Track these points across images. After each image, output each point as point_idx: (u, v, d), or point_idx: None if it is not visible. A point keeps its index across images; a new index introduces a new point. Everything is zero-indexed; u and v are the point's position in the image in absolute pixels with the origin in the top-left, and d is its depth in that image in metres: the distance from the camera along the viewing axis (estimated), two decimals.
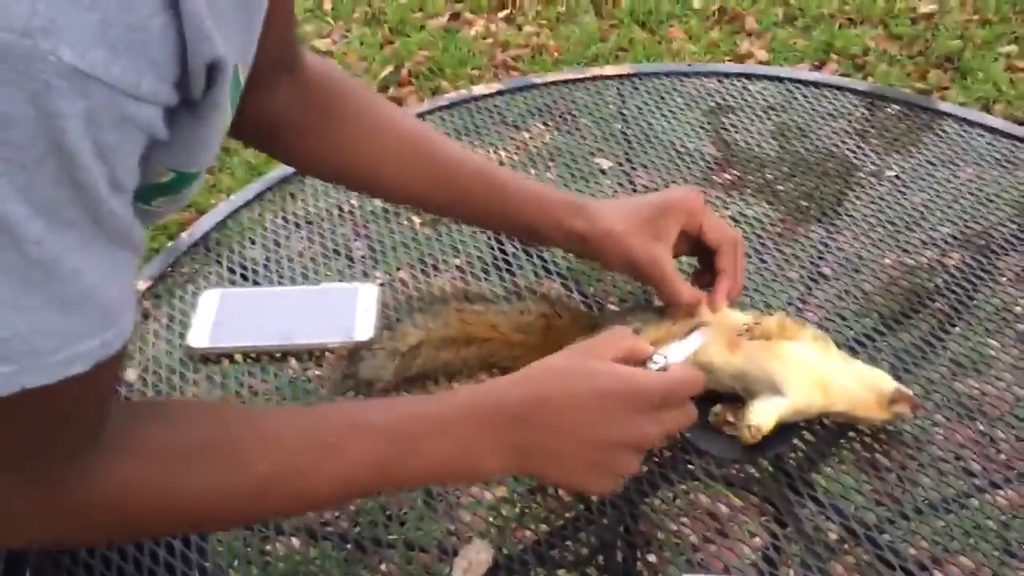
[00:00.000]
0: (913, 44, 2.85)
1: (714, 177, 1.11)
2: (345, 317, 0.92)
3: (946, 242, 1.00)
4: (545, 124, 1.22)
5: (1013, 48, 2.78)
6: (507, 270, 0.99)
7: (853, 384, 0.77)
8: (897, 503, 0.76)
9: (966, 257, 0.98)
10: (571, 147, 1.18)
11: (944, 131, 1.16)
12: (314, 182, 1.14)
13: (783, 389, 0.76)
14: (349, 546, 0.76)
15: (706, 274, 0.82)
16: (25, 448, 0.49)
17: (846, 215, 1.05)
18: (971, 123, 1.17)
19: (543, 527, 0.76)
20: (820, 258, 1.00)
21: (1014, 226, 1.02)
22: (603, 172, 1.14)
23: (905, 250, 0.99)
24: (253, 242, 1.06)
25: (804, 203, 1.07)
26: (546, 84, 1.29)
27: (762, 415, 0.76)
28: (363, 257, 1.03)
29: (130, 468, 0.54)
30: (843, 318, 0.92)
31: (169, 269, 1.02)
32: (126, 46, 0.41)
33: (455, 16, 3.16)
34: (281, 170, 1.16)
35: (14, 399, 0.44)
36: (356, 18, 3.16)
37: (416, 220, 1.08)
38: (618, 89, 1.28)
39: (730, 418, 0.78)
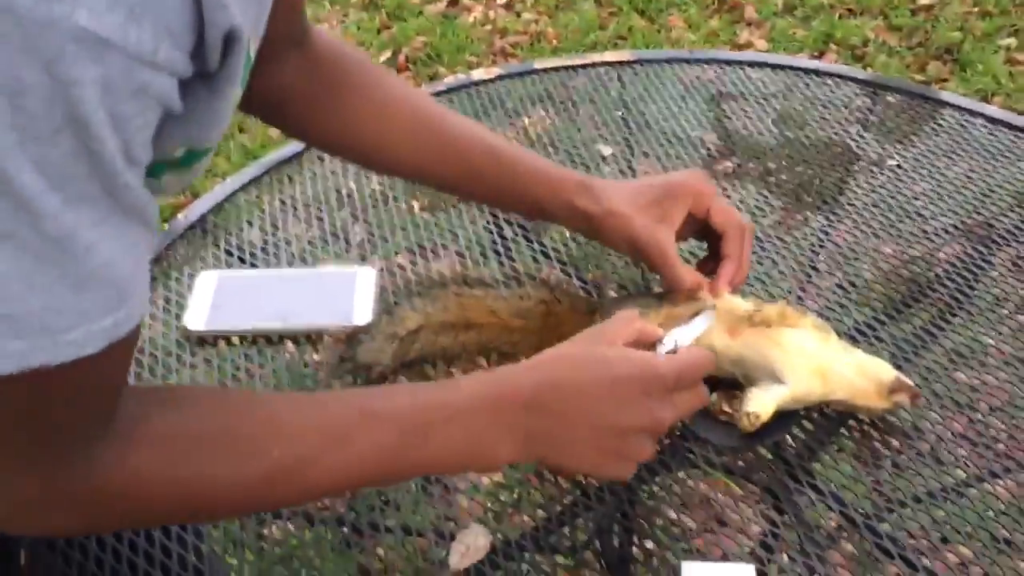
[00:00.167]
0: (913, 35, 2.85)
1: (714, 166, 1.11)
2: (343, 301, 0.92)
3: (947, 232, 1.00)
4: (545, 110, 1.22)
5: (1012, 41, 2.78)
6: (506, 255, 0.99)
7: (853, 373, 0.77)
8: (896, 491, 0.75)
9: (966, 248, 0.98)
10: (571, 134, 1.17)
11: (945, 121, 1.16)
12: (312, 166, 1.13)
13: (782, 377, 0.76)
14: (345, 530, 0.76)
15: (712, 259, 0.82)
16: (38, 435, 0.49)
17: (847, 204, 1.05)
18: (972, 113, 1.16)
19: (540, 513, 0.76)
20: (820, 247, 1.00)
21: (1014, 217, 1.02)
22: (603, 159, 1.13)
23: (905, 240, 0.99)
24: (251, 224, 1.05)
25: (804, 192, 1.06)
26: (546, 70, 1.28)
27: (760, 403, 0.75)
28: (361, 241, 1.02)
29: (141, 456, 0.53)
30: (842, 307, 0.91)
31: (165, 251, 1.01)
32: (143, 10, 0.40)
33: (453, 2, 3.14)
34: (278, 153, 1.15)
35: (26, 380, 0.43)
36: (353, 3, 3.15)
37: (415, 204, 1.07)
38: (618, 75, 1.27)
39: (726, 408, 0.78)
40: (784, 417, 0.77)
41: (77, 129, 0.40)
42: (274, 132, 2.52)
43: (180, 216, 1.06)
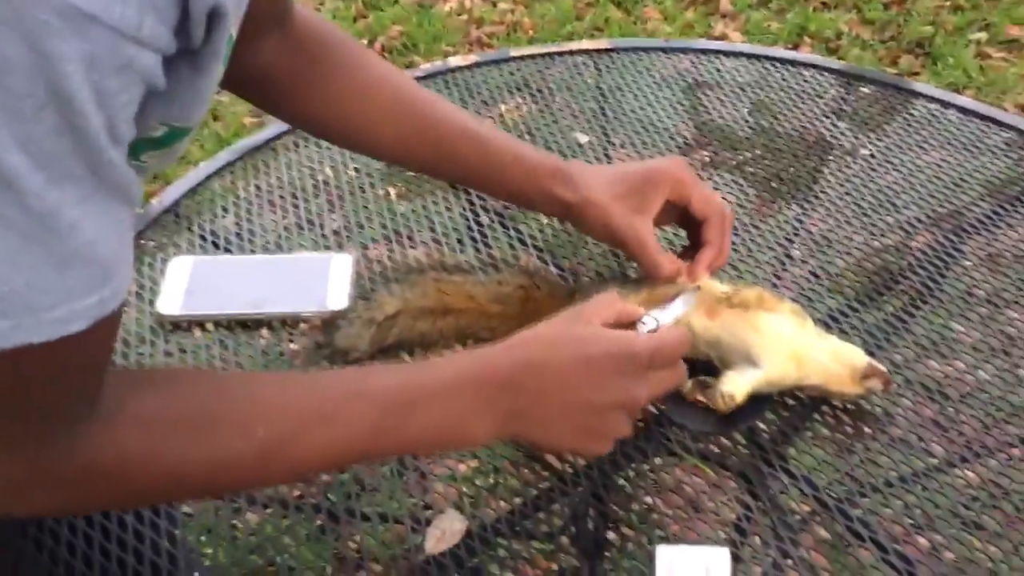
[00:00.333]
0: (885, 29, 2.87)
1: (690, 155, 1.11)
2: (318, 286, 0.91)
3: (919, 221, 1.01)
4: (521, 98, 1.21)
5: (983, 35, 2.81)
6: (483, 242, 0.99)
7: (827, 358, 0.78)
8: (869, 477, 0.76)
9: (935, 238, 0.99)
10: (548, 122, 1.17)
11: (917, 111, 1.17)
12: (287, 153, 1.12)
13: (758, 360, 0.77)
14: (321, 517, 0.76)
15: (693, 248, 0.82)
16: (21, 414, 0.48)
17: (820, 193, 1.05)
18: (944, 104, 1.17)
19: (516, 499, 0.76)
20: (795, 235, 1.00)
21: (984, 207, 1.03)
22: (580, 146, 1.13)
23: (877, 229, 1.00)
24: (226, 211, 1.04)
25: (777, 183, 1.07)
26: (523, 57, 1.28)
27: (736, 384, 0.76)
28: (337, 229, 1.02)
29: (126, 437, 0.53)
30: (812, 298, 0.92)
31: (138, 236, 1.00)
32: None
33: None
34: (252, 139, 1.14)
35: (9, 358, 0.43)
36: None
37: (391, 191, 1.07)
38: (595, 64, 1.27)
39: (699, 396, 0.79)
40: (758, 402, 0.78)
41: (61, 106, 0.39)
42: (248, 120, 2.50)
43: (153, 201, 1.05)
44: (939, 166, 1.09)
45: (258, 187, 1.07)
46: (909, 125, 1.15)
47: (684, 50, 1.29)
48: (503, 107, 1.19)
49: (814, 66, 1.25)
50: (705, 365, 0.79)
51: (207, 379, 0.61)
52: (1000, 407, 0.82)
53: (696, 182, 0.80)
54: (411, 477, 0.78)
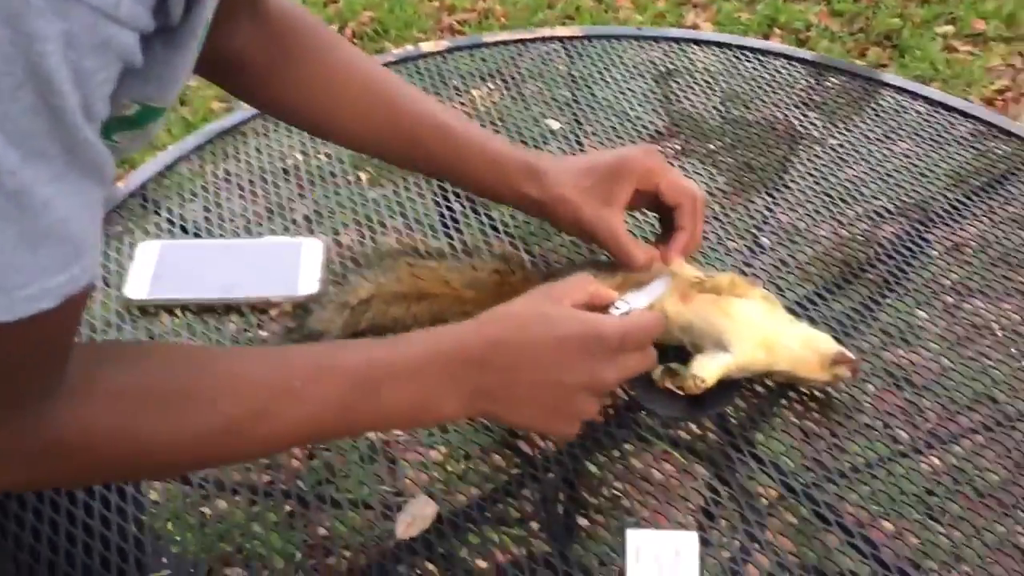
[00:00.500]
0: (854, 21, 2.90)
1: (661, 144, 1.12)
2: (289, 271, 0.90)
3: (887, 211, 1.02)
4: (493, 85, 1.21)
5: (950, 28, 2.84)
6: (455, 228, 0.98)
7: (796, 345, 0.79)
8: (835, 462, 0.77)
9: (902, 228, 1.01)
10: (519, 110, 1.17)
11: (886, 103, 1.18)
12: (257, 139, 1.11)
13: (729, 345, 0.77)
14: (291, 503, 0.75)
15: (667, 234, 0.82)
16: None
17: (791, 182, 1.06)
18: (912, 95, 1.19)
19: (487, 485, 0.76)
20: (764, 223, 1.01)
21: (950, 197, 1.04)
22: (552, 133, 1.13)
23: (843, 220, 1.01)
24: (194, 195, 1.03)
25: (747, 173, 1.08)
26: (495, 43, 1.28)
27: (706, 368, 0.77)
28: (307, 215, 1.01)
29: (92, 411, 0.53)
30: (781, 287, 0.93)
31: (104, 221, 0.99)
32: None
33: None
34: (220, 123, 1.13)
35: None
36: None
37: (362, 177, 1.06)
38: (567, 51, 1.27)
39: (668, 384, 0.79)
40: (727, 388, 0.79)
41: (38, 84, 0.39)
42: (216, 105, 2.47)
43: (120, 185, 1.04)
44: (906, 156, 1.10)
45: (227, 172, 1.06)
46: (877, 116, 1.16)
47: (656, 38, 1.29)
48: (475, 93, 1.19)
49: (785, 56, 1.26)
50: (676, 352, 0.80)
51: (176, 353, 0.60)
52: (964, 394, 0.83)
53: (665, 169, 0.81)
54: (382, 463, 0.78)
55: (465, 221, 0.99)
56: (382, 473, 0.78)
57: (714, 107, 1.17)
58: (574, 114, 1.16)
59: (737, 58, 1.26)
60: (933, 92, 1.20)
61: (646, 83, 1.21)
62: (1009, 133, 1.12)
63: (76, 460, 0.54)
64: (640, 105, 1.17)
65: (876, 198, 1.04)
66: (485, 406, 0.64)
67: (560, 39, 1.29)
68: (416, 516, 0.73)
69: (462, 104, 1.17)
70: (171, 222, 0.99)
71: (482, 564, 0.71)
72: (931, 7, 2.92)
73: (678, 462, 0.78)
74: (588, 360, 0.63)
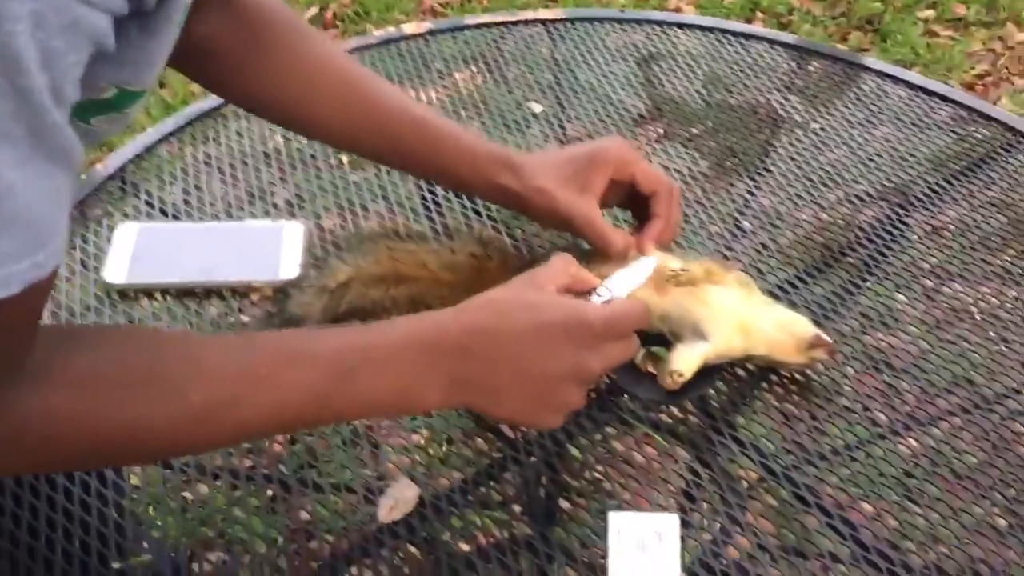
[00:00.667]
0: (836, 5, 2.90)
1: (643, 129, 1.12)
2: (270, 255, 0.90)
3: (868, 195, 1.03)
4: (476, 68, 1.20)
5: (931, 12, 2.85)
6: (437, 212, 0.98)
7: (773, 328, 0.79)
8: (815, 444, 0.78)
9: (882, 212, 1.01)
10: (502, 93, 1.16)
11: (867, 87, 1.19)
12: (238, 122, 1.10)
13: (706, 334, 0.77)
14: (273, 487, 0.75)
15: (642, 224, 0.82)
16: None
17: (772, 166, 1.07)
18: (894, 80, 1.19)
19: (469, 468, 0.77)
20: (746, 207, 1.01)
21: (930, 181, 1.05)
22: (534, 116, 1.13)
23: (824, 204, 1.02)
24: (174, 179, 1.02)
25: (729, 157, 1.08)
26: (477, 25, 1.27)
27: (684, 361, 0.77)
28: (288, 199, 1.00)
29: (57, 398, 0.51)
30: (762, 270, 0.93)
31: (81, 203, 0.98)
32: None
33: None
34: (201, 104, 1.12)
35: None
36: None
37: (344, 160, 1.05)
38: (550, 34, 1.26)
39: (650, 367, 0.79)
40: (708, 371, 0.79)
41: (6, 66, 0.38)
42: (196, 88, 2.44)
43: (98, 167, 1.02)
44: (887, 140, 1.10)
45: (207, 155, 1.05)
46: (858, 100, 1.16)
47: (639, 21, 1.29)
48: (457, 76, 1.18)
49: (767, 40, 1.26)
50: (656, 335, 0.80)
51: (144, 339, 0.59)
52: (942, 377, 0.84)
53: (639, 159, 0.81)
54: (364, 447, 0.78)
55: (448, 205, 0.99)
56: (364, 457, 0.78)
57: (696, 91, 1.17)
58: (557, 97, 1.16)
59: (720, 42, 1.26)
60: (914, 76, 1.20)
61: (629, 66, 1.21)
62: (989, 117, 1.13)
63: (37, 447, 0.53)
64: (623, 88, 1.17)
65: (857, 182, 1.04)
66: (466, 397, 0.62)
67: (543, 22, 1.28)
68: (398, 499, 0.73)
69: (444, 87, 1.17)
70: (150, 205, 0.99)
71: (464, 547, 0.71)
72: None
73: (659, 445, 0.78)
74: (572, 348, 0.61)
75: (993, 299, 0.91)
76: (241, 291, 0.88)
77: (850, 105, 1.15)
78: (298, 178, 1.03)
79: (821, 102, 1.16)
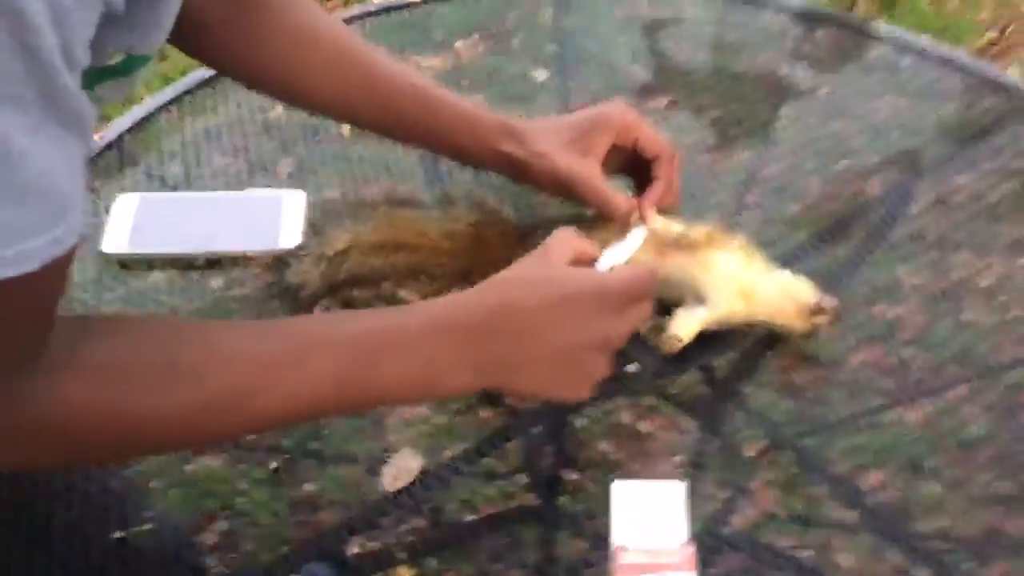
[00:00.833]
0: None
1: (649, 97, 1.10)
2: (270, 224, 0.89)
3: (873, 166, 1.02)
4: (478, 38, 1.19)
5: None
6: (440, 185, 0.97)
7: (775, 294, 0.78)
8: (820, 416, 0.78)
9: (888, 182, 1.00)
10: (505, 63, 1.15)
11: (875, 54, 1.17)
12: (236, 94, 1.08)
13: (707, 299, 0.77)
14: (276, 459, 0.75)
15: (643, 191, 0.81)
16: None
17: (777, 136, 1.05)
18: (902, 48, 1.17)
19: (473, 439, 0.76)
20: (751, 178, 1.00)
21: (935, 151, 1.03)
22: (539, 86, 1.11)
23: (829, 174, 1.00)
24: (173, 148, 1.01)
25: (735, 126, 1.07)
26: None
27: (682, 326, 0.77)
28: (290, 172, 0.99)
29: (73, 387, 0.50)
30: (766, 242, 0.92)
31: None
32: None
33: None
34: (199, 73, 1.11)
35: None
36: None
37: (346, 131, 1.04)
38: (554, 2, 1.24)
39: (655, 337, 0.79)
40: (713, 338, 0.79)
41: (14, 24, 0.37)
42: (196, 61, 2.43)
43: (96, 137, 1.01)
44: (894, 109, 1.09)
45: (207, 127, 1.04)
46: (866, 68, 1.15)
47: None
48: (459, 45, 1.17)
49: (774, 7, 1.24)
50: (658, 304, 0.79)
51: (160, 327, 0.57)
52: (948, 347, 0.83)
53: (642, 123, 0.80)
54: (367, 418, 0.78)
55: (451, 180, 0.98)
56: (367, 428, 0.77)
57: (702, 60, 1.16)
58: (560, 68, 1.14)
59: (726, 7, 1.24)
60: (923, 43, 1.19)
61: (634, 35, 1.19)
62: (998, 85, 1.11)
63: (57, 439, 0.51)
64: (628, 58, 1.15)
65: (862, 152, 1.03)
66: (495, 377, 0.61)
67: None
68: (401, 469, 0.73)
69: (446, 56, 1.15)
70: (149, 175, 0.98)
71: (469, 517, 0.71)
72: None
73: (665, 415, 0.78)
74: (596, 317, 0.61)
75: (1000, 268, 0.90)
76: (241, 261, 0.88)
77: (857, 73, 1.14)
78: (299, 150, 1.02)
79: (828, 70, 1.14)
